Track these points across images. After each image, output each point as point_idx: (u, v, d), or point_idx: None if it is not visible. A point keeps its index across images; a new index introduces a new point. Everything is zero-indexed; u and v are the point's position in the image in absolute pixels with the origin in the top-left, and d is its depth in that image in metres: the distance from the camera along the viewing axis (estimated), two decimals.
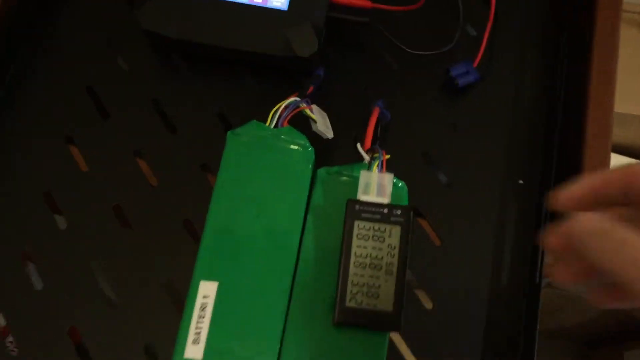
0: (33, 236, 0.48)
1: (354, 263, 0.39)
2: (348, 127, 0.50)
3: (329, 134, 0.47)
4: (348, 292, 0.39)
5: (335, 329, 0.40)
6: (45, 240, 0.48)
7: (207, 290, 0.41)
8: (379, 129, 0.47)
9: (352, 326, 0.40)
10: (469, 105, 0.52)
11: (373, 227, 0.40)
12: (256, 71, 0.53)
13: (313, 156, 0.45)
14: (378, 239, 0.40)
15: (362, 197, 0.41)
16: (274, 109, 0.45)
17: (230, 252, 0.42)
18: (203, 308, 0.41)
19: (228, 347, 0.40)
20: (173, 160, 0.50)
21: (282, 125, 0.45)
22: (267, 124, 0.45)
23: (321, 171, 0.45)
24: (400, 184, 0.44)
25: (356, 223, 0.40)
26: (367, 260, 0.40)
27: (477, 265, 0.47)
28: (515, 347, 0.46)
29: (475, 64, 0.51)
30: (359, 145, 0.45)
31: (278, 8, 0.50)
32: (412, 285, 0.46)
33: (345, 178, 0.44)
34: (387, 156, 0.44)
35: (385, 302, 0.39)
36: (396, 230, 0.40)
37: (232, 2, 0.50)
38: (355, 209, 0.40)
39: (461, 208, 0.48)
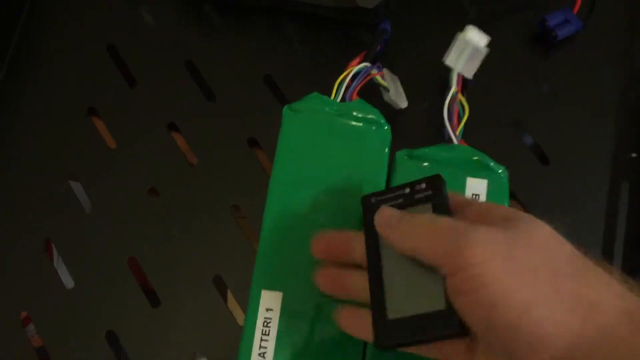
0: (55, 225, 0.42)
1: (386, 266, 0.30)
2: (420, 92, 0.42)
3: (403, 104, 0.40)
4: (387, 302, 0.30)
5: None
6: (71, 231, 0.42)
7: (270, 302, 0.35)
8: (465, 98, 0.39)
9: (402, 345, 0.29)
10: (570, 62, 0.44)
11: None
12: (306, 24, 0.45)
13: (390, 135, 0.37)
14: None
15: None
16: (340, 78, 0.37)
17: (295, 254, 0.35)
18: (267, 324, 0.34)
19: None
20: (214, 133, 0.44)
21: (350, 98, 0.37)
22: (332, 96, 0.37)
23: (401, 154, 0.37)
24: (500, 170, 0.36)
25: None
26: (401, 258, 0.30)
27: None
28: None
29: (576, 10, 0.43)
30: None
31: None
32: None
33: (427, 163, 0.36)
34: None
35: (435, 299, 0.28)
36: (427, 209, 0.32)
37: None
38: (372, 203, 0.32)
39: (562, 189, 0.41)
